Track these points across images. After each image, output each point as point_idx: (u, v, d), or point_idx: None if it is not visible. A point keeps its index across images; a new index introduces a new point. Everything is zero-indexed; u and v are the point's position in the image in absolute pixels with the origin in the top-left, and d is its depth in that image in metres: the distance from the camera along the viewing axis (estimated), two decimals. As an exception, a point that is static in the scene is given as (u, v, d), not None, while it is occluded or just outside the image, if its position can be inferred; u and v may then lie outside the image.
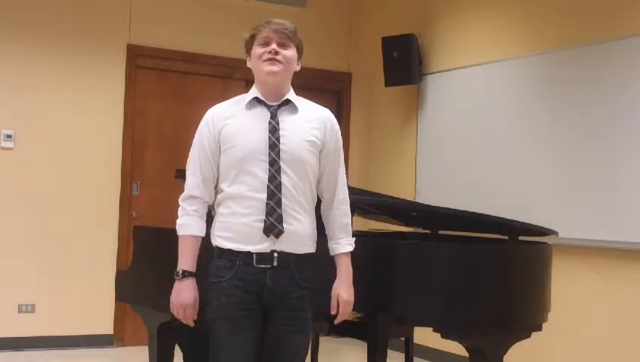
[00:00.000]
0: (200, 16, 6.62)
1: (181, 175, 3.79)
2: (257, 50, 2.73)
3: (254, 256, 2.63)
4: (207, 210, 2.79)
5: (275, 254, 2.63)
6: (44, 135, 6.11)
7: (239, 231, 2.65)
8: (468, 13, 6.17)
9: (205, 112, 2.80)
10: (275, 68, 2.69)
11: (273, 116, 2.70)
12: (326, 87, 7.04)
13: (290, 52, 2.73)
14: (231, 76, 6.70)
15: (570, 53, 5.18)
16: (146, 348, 3.79)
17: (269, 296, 2.65)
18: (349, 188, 2.92)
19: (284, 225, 2.62)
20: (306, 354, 2.82)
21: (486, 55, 5.87)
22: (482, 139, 5.82)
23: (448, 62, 6.24)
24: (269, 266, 2.63)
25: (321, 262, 2.77)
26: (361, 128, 7.17)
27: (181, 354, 3.82)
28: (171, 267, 3.02)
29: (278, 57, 2.69)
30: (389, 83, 6.55)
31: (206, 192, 2.75)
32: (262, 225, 2.61)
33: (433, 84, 6.36)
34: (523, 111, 5.52)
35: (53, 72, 6.15)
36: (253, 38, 2.75)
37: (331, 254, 2.78)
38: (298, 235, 2.66)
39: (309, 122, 2.75)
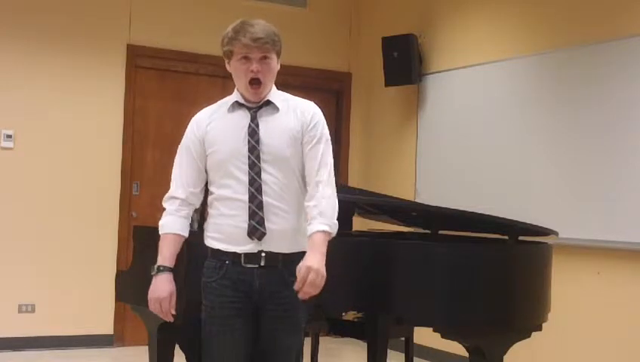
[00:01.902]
0: (200, 16, 6.62)
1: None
2: (238, 66, 2.70)
3: (242, 256, 2.66)
4: (191, 212, 2.80)
5: (263, 254, 2.65)
6: (44, 135, 6.11)
7: (226, 232, 2.68)
8: (468, 13, 6.17)
9: None
10: (259, 89, 2.69)
11: (253, 118, 2.70)
12: (326, 87, 7.03)
13: (272, 62, 2.70)
14: (231, 76, 6.69)
15: (570, 54, 5.18)
16: (146, 348, 3.79)
17: (258, 295, 2.67)
18: (349, 188, 2.93)
19: (266, 226, 2.63)
20: (300, 353, 2.81)
21: (486, 55, 5.87)
22: (482, 139, 5.81)
23: (448, 62, 6.24)
24: (257, 266, 2.66)
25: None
26: (361, 128, 7.17)
27: (181, 354, 3.82)
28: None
29: (260, 76, 2.67)
30: (389, 83, 6.55)
31: (189, 194, 2.77)
32: (246, 227, 2.64)
33: (433, 84, 6.36)
34: (523, 111, 5.52)
35: (53, 72, 6.15)
36: (231, 52, 2.70)
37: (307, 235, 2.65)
38: (284, 234, 2.66)
39: (290, 119, 2.72)
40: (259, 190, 2.64)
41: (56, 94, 6.16)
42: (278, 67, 2.76)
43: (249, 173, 2.64)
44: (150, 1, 6.47)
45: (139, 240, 3.89)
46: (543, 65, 5.40)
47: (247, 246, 2.65)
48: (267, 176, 2.65)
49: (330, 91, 7.14)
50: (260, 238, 2.64)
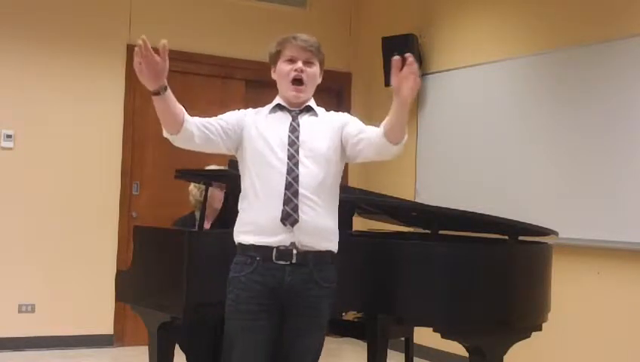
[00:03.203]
0: (200, 16, 6.62)
1: (181, 175, 3.80)
2: (283, 67, 2.85)
3: (274, 251, 2.70)
4: (201, 128, 2.80)
5: (295, 251, 2.70)
6: (44, 135, 6.11)
7: (259, 223, 2.73)
8: (468, 13, 6.17)
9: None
10: (301, 94, 2.84)
11: (294, 119, 2.84)
12: (326, 87, 6.96)
13: (315, 69, 2.87)
14: (231, 76, 6.69)
15: (570, 53, 5.18)
16: (146, 348, 3.79)
17: (286, 292, 2.71)
18: (349, 188, 2.96)
19: (299, 213, 2.69)
20: (319, 353, 2.82)
21: (486, 55, 5.87)
22: (482, 139, 5.82)
23: (448, 62, 6.24)
24: (288, 263, 2.70)
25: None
26: (361, 128, 7.16)
27: (181, 354, 3.82)
28: (171, 267, 3.02)
29: (303, 76, 2.82)
30: (388, 83, 6.51)
31: (212, 123, 2.81)
32: (280, 214, 2.69)
33: (433, 84, 6.36)
34: (523, 111, 5.52)
35: (54, 72, 6.15)
36: (279, 53, 2.86)
37: (384, 127, 2.66)
38: (315, 227, 2.72)
39: (327, 121, 2.88)
40: (296, 179, 2.72)
41: (56, 94, 6.16)
42: (320, 80, 2.91)
43: (287, 163, 2.74)
44: (150, 1, 6.46)
45: (139, 240, 3.89)
46: (543, 65, 5.40)
47: (279, 238, 2.70)
48: (304, 169, 2.74)
49: (330, 91, 7.13)
50: (292, 224, 2.68)
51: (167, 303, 3.40)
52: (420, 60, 6.41)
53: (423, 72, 6.43)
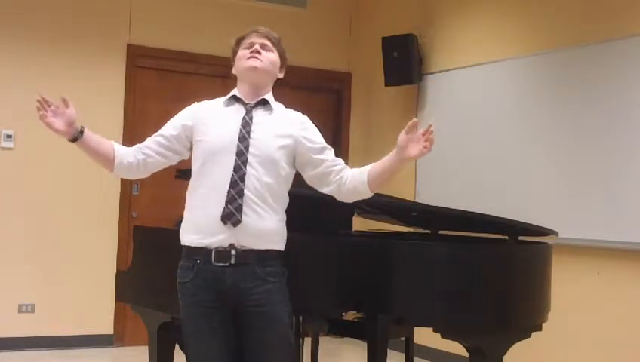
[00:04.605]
0: (200, 16, 6.62)
1: (181, 175, 3.80)
2: (241, 52, 2.81)
3: (213, 253, 2.65)
4: (138, 155, 2.85)
5: (233, 252, 2.64)
6: (44, 135, 6.02)
7: (199, 222, 2.69)
8: (468, 13, 6.17)
9: None
10: (256, 63, 2.77)
11: (248, 112, 2.77)
12: (326, 87, 7.03)
13: (273, 55, 2.81)
14: (231, 76, 6.68)
15: (570, 53, 5.18)
16: (146, 348, 3.79)
17: (231, 293, 2.66)
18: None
19: (242, 215, 2.63)
20: (289, 346, 2.78)
21: (486, 55, 5.87)
22: (482, 139, 5.82)
23: (448, 62, 6.24)
24: (228, 264, 2.65)
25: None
26: (361, 128, 7.17)
27: (181, 354, 3.82)
28: (171, 267, 3.01)
29: (260, 56, 2.77)
30: (388, 83, 6.55)
31: (148, 145, 2.85)
32: (220, 213, 2.63)
33: (433, 84, 6.36)
34: (523, 111, 5.52)
35: (53, 72, 6.15)
36: (238, 44, 2.84)
37: (369, 175, 2.71)
38: (258, 229, 2.66)
39: (282, 123, 2.79)
40: (242, 178, 2.65)
41: (56, 94, 6.13)
42: (281, 75, 2.86)
43: (235, 160, 2.66)
44: (150, 1, 6.47)
45: (139, 240, 3.89)
46: (543, 65, 5.40)
47: (219, 238, 2.64)
48: (252, 171, 2.66)
49: (330, 91, 7.14)
50: (234, 224, 2.62)
51: (167, 303, 3.39)
52: (420, 60, 6.42)
53: (423, 72, 6.43)
